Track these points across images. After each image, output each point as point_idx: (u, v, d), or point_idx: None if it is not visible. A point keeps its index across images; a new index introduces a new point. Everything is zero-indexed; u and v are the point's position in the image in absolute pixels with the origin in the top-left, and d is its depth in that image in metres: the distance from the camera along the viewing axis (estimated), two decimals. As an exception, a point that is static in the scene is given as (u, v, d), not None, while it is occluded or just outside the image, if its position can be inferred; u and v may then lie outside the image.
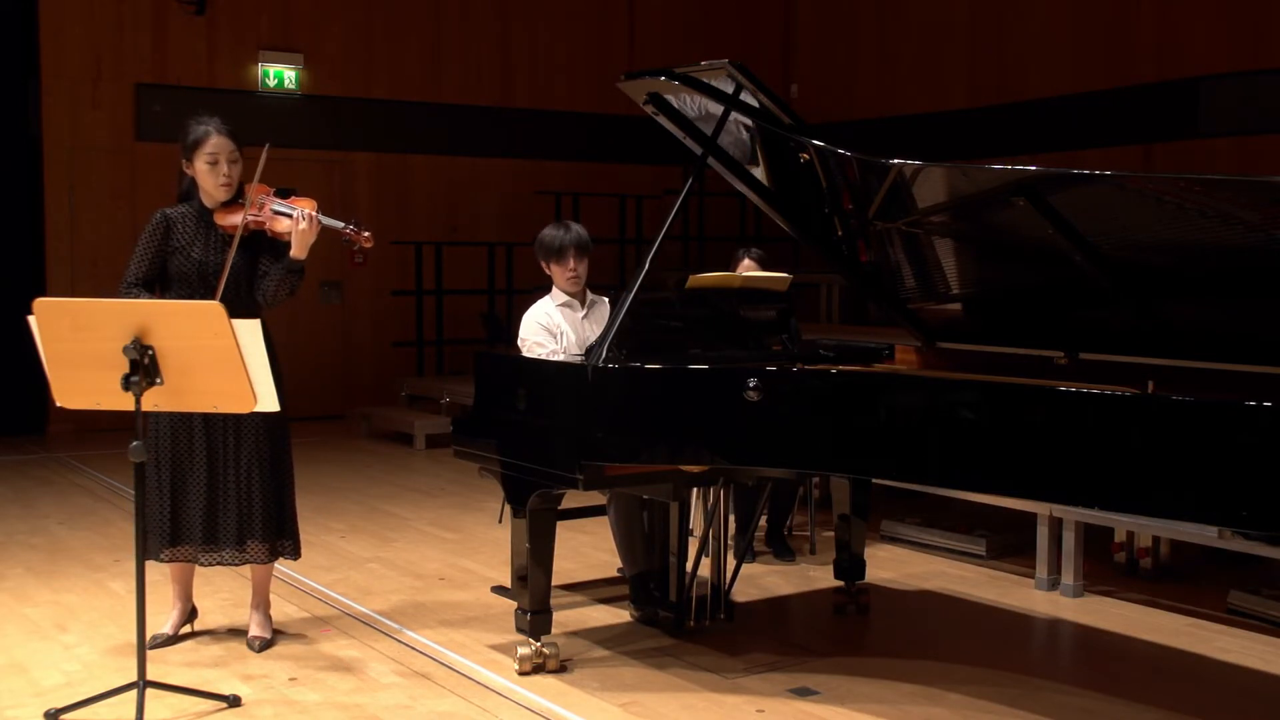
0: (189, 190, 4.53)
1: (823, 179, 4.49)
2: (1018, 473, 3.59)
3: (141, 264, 4.44)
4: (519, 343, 4.93)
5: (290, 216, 4.40)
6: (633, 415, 4.07)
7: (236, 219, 4.38)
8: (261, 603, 4.71)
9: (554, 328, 4.87)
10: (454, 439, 4.68)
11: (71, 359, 3.74)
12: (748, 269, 5.90)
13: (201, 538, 4.47)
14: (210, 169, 4.43)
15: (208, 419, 4.41)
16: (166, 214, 4.49)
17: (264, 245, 4.49)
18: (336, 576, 5.68)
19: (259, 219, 4.41)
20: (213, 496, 4.46)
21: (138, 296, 4.35)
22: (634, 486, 4.49)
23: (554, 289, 4.96)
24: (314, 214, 4.38)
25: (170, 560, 4.52)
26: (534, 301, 5.02)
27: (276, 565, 4.75)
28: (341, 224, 4.44)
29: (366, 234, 4.46)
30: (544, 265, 4.95)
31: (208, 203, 4.48)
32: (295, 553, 4.65)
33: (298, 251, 4.40)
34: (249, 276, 4.48)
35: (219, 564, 4.55)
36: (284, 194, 4.48)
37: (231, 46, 10.82)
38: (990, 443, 3.63)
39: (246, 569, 4.73)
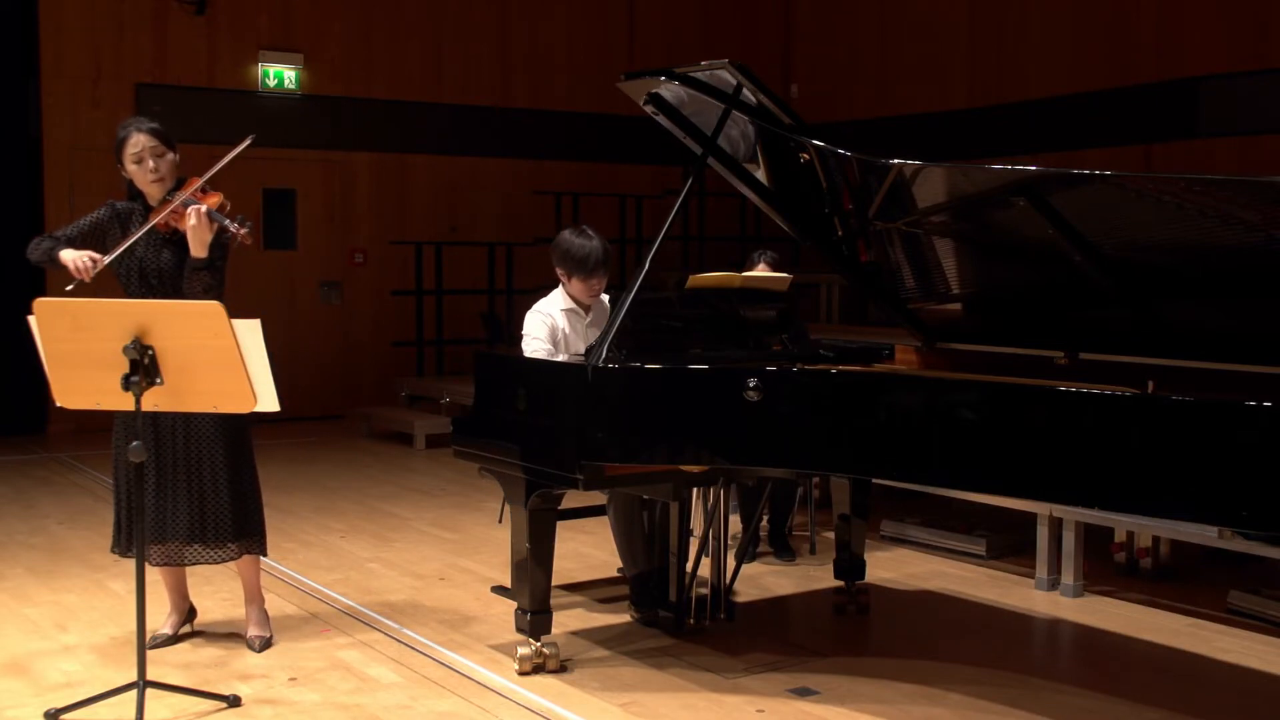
0: (136, 192, 4.53)
1: (823, 179, 4.49)
2: (1018, 473, 3.59)
3: (75, 228, 4.44)
4: (522, 336, 4.91)
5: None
6: (633, 415, 4.06)
7: (161, 218, 4.36)
8: (255, 601, 4.71)
9: (557, 331, 4.85)
10: (454, 439, 4.67)
11: (71, 359, 3.74)
12: (760, 271, 5.87)
13: (152, 536, 4.45)
14: (137, 167, 4.44)
15: (156, 418, 4.38)
16: (114, 204, 4.52)
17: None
18: (336, 576, 5.68)
19: (174, 216, 4.38)
20: (160, 495, 4.44)
21: (45, 242, 4.36)
22: (634, 486, 4.49)
23: (563, 292, 4.90)
24: (201, 210, 4.30)
25: (128, 556, 4.52)
26: (535, 299, 4.98)
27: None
28: (228, 220, 4.34)
29: (244, 231, 4.34)
30: (561, 272, 4.85)
31: (150, 201, 4.49)
32: (261, 549, 4.63)
33: (193, 249, 4.34)
34: (181, 275, 4.44)
35: (168, 563, 4.53)
36: (204, 189, 4.43)
37: (231, 46, 10.82)
38: (990, 443, 3.63)
39: (237, 569, 4.71)
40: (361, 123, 11.35)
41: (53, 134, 10.18)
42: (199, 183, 4.43)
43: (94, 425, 8.85)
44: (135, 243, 4.38)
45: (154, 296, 4.35)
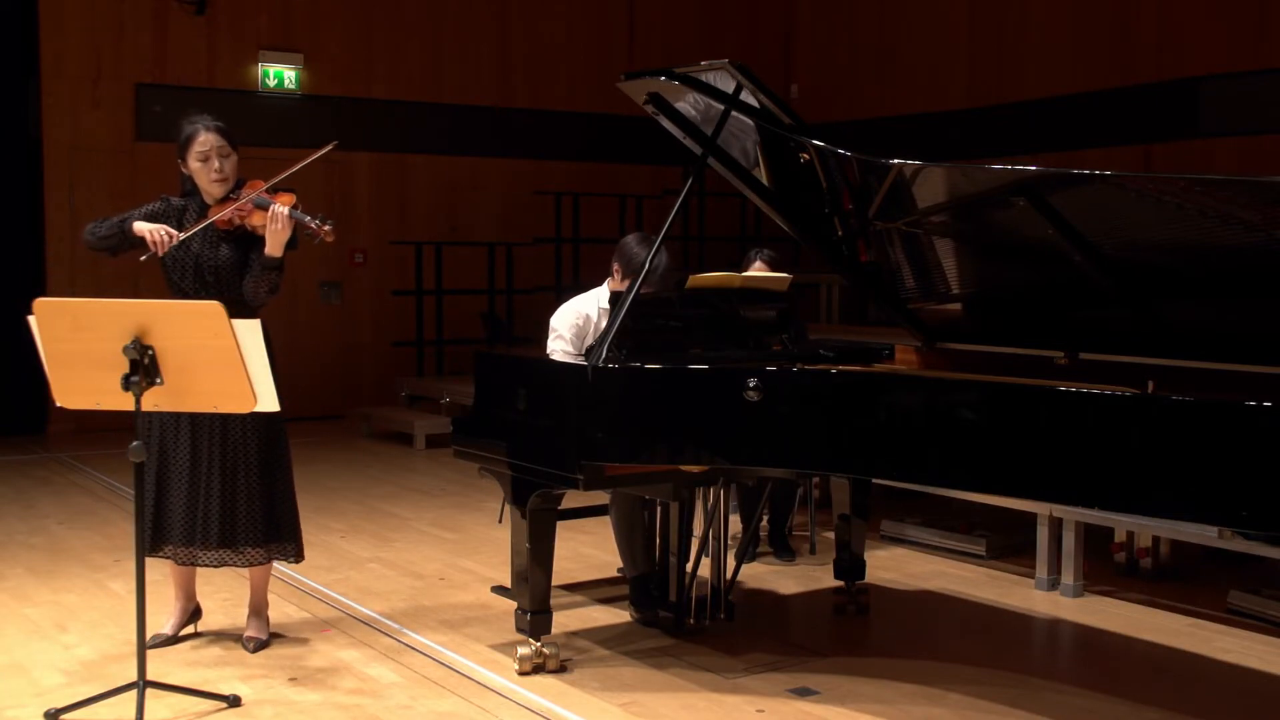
0: (191, 190, 4.56)
1: (823, 179, 4.49)
2: (1018, 473, 3.59)
3: (128, 216, 4.47)
4: (551, 325, 4.94)
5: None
6: (633, 415, 4.06)
7: (226, 214, 4.40)
8: (259, 604, 4.70)
9: (589, 326, 4.87)
10: (454, 439, 4.68)
11: (71, 359, 3.74)
12: (758, 270, 5.87)
13: (181, 537, 4.45)
14: (202, 165, 4.46)
15: (194, 418, 4.41)
16: (169, 199, 4.56)
17: (255, 242, 4.45)
18: (336, 576, 5.68)
19: (241, 213, 4.41)
20: (193, 496, 4.44)
21: (105, 222, 4.43)
22: (634, 486, 4.50)
23: (607, 289, 4.92)
24: (284, 210, 4.34)
25: (154, 556, 4.52)
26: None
27: (277, 564, 4.74)
28: (309, 218, 4.38)
29: (327, 228, 4.38)
30: (615, 268, 4.87)
31: (207, 199, 4.51)
32: (296, 556, 4.62)
33: (271, 249, 4.38)
34: (239, 272, 4.46)
35: (195, 564, 4.54)
36: (274, 189, 4.47)
37: (231, 46, 10.82)
38: (990, 443, 3.63)
39: (246, 570, 4.72)
40: (361, 123, 11.35)
41: (53, 134, 10.17)
42: (264, 185, 4.44)
43: (94, 425, 8.89)
44: (191, 238, 4.41)
45: (209, 293, 4.36)
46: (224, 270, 4.44)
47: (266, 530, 4.51)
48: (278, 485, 4.54)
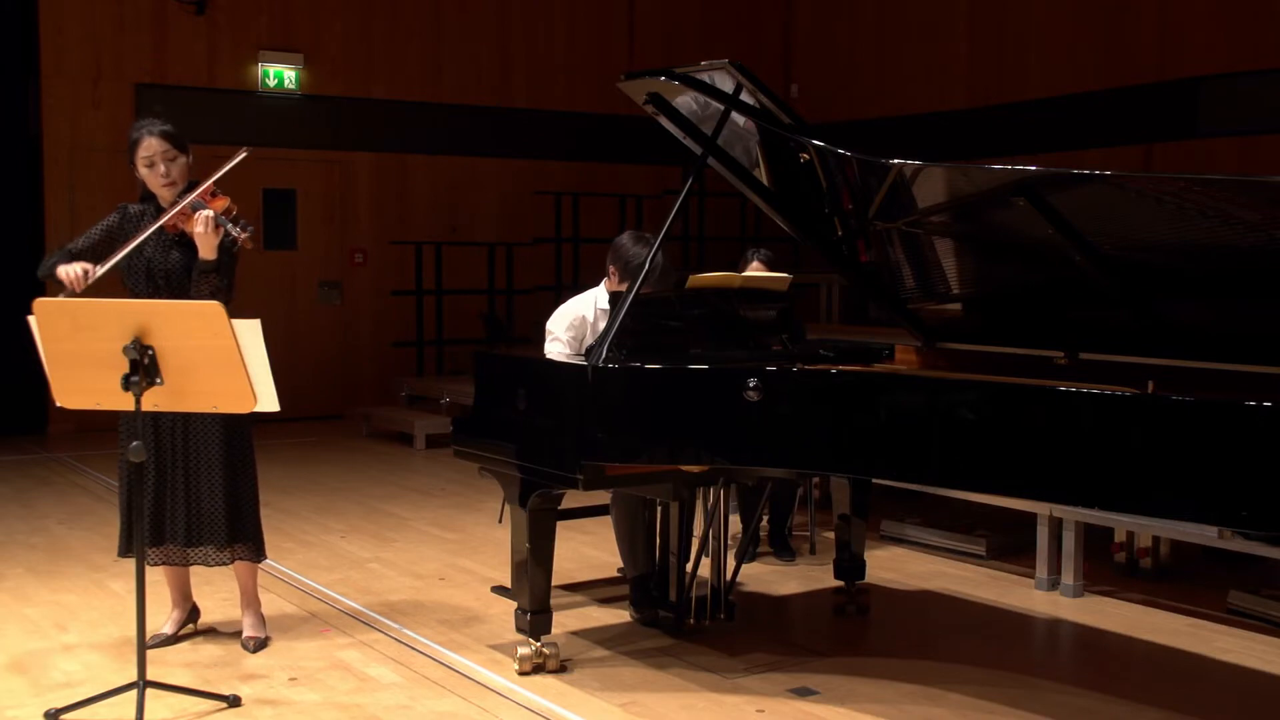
0: (150, 193, 4.55)
1: (823, 179, 4.49)
2: (1018, 473, 3.59)
3: (86, 238, 4.46)
4: (547, 327, 4.94)
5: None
6: (633, 415, 4.06)
7: (170, 218, 4.38)
8: (251, 603, 4.70)
9: (586, 327, 4.87)
10: (454, 439, 4.68)
11: (71, 359, 3.74)
12: (755, 270, 5.87)
13: (150, 538, 4.45)
14: (149, 171, 4.45)
15: (157, 419, 4.39)
16: (126, 207, 4.55)
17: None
18: (336, 576, 5.68)
19: (183, 217, 4.39)
20: (159, 496, 4.45)
21: (51, 259, 4.39)
22: (634, 486, 4.50)
23: (604, 289, 4.92)
24: (210, 214, 4.31)
25: (125, 558, 4.53)
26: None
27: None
28: (231, 224, 4.36)
29: (245, 236, 4.36)
30: (611, 269, 4.87)
31: (161, 203, 4.49)
32: (256, 555, 4.62)
33: (202, 253, 4.35)
34: (189, 276, 4.42)
35: (165, 563, 4.56)
36: (214, 194, 4.44)
37: (231, 46, 10.82)
38: (990, 443, 3.62)
39: (233, 569, 4.71)
40: (361, 123, 11.35)
41: (53, 134, 10.17)
42: (208, 185, 4.43)
43: (94, 425, 8.85)
44: (145, 243, 4.38)
45: (160, 297, 4.35)
46: (174, 274, 4.43)
47: (230, 530, 4.50)
48: (241, 485, 4.54)
